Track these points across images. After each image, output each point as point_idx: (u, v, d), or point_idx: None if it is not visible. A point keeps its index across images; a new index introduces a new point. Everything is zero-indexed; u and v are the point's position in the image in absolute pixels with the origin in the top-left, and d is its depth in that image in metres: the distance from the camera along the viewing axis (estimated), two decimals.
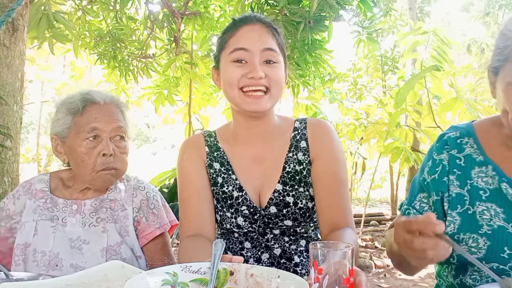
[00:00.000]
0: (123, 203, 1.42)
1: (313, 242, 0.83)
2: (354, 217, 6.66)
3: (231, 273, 0.94)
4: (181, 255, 1.25)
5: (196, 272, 0.95)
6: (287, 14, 2.79)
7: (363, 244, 5.90)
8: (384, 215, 8.16)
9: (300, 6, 2.86)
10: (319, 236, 1.40)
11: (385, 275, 4.67)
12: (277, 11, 2.87)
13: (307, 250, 1.36)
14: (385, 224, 7.58)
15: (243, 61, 1.23)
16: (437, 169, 1.16)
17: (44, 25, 2.65)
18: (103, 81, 5.58)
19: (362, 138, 5.03)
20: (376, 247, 5.84)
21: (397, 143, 4.08)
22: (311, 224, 1.38)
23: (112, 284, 1.03)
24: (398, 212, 1.31)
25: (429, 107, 3.89)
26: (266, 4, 3.06)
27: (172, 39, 3.95)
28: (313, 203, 1.33)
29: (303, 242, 1.37)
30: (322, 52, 3.22)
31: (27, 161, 7.95)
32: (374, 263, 4.91)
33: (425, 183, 1.19)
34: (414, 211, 1.22)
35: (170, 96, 4.56)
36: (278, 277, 0.90)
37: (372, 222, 7.47)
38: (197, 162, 1.37)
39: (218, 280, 0.93)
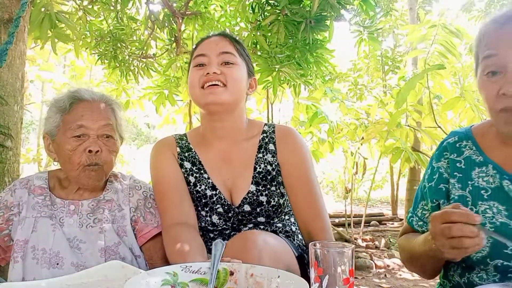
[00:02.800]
0: (120, 203, 1.42)
1: (313, 242, 0.84)
2: (355, 217, 6.73)
3: (231, 273, 0.95)
4: (170, 244, 1.26)
5: (196, 272, 0.95)
6: (288, 14, 2.79)
7: (364, 244, 5.90)
8: (384, 215, 8.16)
9: (301, 6, 2.86)
10: (294, 221, 1.46)
11: (385, 275, 4.66)
12: (278, 11, 2.86)
13: (286, 231, 1.41)
14: (385, 224, 7.58)
15: (203, 65, 1.35)
16: (434, 177, 1.20)
17: (46, 25, 2.65)
18: (104, 81, 5.58)
19: (362, 138, 5.03)
20: (376, 247, 5.84)
21: (397, 143, 4.07)
22: (283, 215, 1.44)
23: (112, 284, 1.03)
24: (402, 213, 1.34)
25: (430, 107, 3.87)
26: (267, 4, 3.06)
27: (173, 39, 3.94)
28: (284, 198, 1.40)
29: (279, 224, 1.42)
30: (324, 52, 3.22)
31: (27, 161, 7.94)
32: (375, 263, 4.90)
33: (424, 190, 1.22)
34: (417, 218, 1.25)
35: (171, 96, 4.55)
36: (278, 277, 0.90)
37: (372, 222, 7.47)
38: (171, 158, 1.44)
39: (218, 280, 0.93)
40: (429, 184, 1.20)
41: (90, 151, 1.34)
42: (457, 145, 1.18)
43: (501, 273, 1.06)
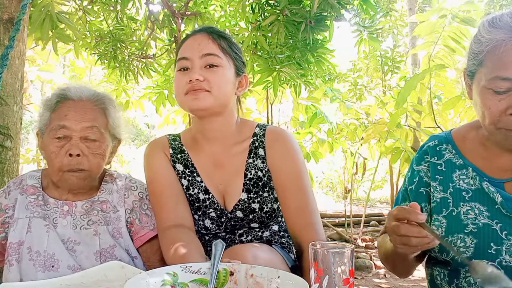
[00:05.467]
0: (115, 205, 1.38)
1: (313, 242, 0.83)
2: (354, 217, 6.73)
3: (231, 274, 0.95)
4: (167, 247, 1.23)
5: (196, 272, 0.95)
6: (288, 15, 2.79)
7: (363, 244, 5.90)
8: (384, 215, 8.15)
9: (301, 6, 2.86)
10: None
11: (385, 275, 4.66)
12: (278, 11, 2.86)
13: (280, 231, 1.38)
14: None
15: (187, 69, 1.30)
16: (414, 180, 1.22)
17: (47, 26, 2.64)
18: (104, 82, 5.58)
19: (362, 138, 5.03)
20: (376, 247, 5.83)
21: (397, 143, 4.07)
22: (279, 218, 1.41)
23: (112, 284, 1.03)
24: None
25: (430, 107, 3.86)
26: (267, 5, 3.06)
27: (173, 39, 3.94)
28: (278, 203, 1.36)
29: (275, 227, 1.38)
30: (324, 52, 3.22)
31: (27, 161, 7.93)
32: (374, 263, 4.90)
33: (407, 192, 1.24)
34: None
35: (171, 96, 4.55)
36: (278, 277, 0.90)
37: (372, 223, 7.47)
38: (164, 159, 1.40)
39: (218, 280, 0.93)
40: (410, 187, 1.22)
41: (70, 155, 1.28)
42: (437, 148, 1.20)
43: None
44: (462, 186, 1.13)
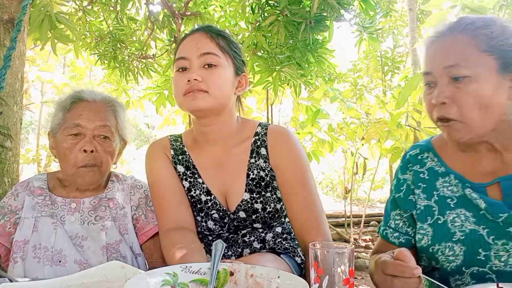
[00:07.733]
0: (122, 202, 1.44)
1: (313, 242, 0.83)
2: (354, 217, 6.73)
3: (231, 274, 0.95)
4: (168, 249, 1.23)
5: (196, 272, 0.95)
6: (288, 15, 2.79)
7: (363, 244, 5.90)
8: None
9: (301, 6, 2.86)
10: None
11: None
12: (278, 12, 2.86)
13: (283, 233, 1.38)
14: None
15: (186, 69, 1.28)
16: (401, 188, 1.22)
17: (46, 26, 2.64)
18: (104, 82, 5.59)
19: (363, 138, 5.03)
20: None
21: (397, 143, 4.07)
22: (282, 218, 1.40)
23: (112, 285, 1.03)
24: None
25: None
26: (267, 5, 3.06)
27: (173, 39, 3.95)
28: (281, 203, 1.35)
29: (279, 229, 1.38)
30: (324, 52, 3.22)
31: (27, 161, 7.94)
32: None
33: (395, 201, 1.24)
34: (391, 230, 1.24)
35: (171, 97, 4.56)
36: (278, 277, 0.90)
37: (372, 223, 7.46)
38: (166, 161, 1.40)
39: (218, 280, 0.93)
40: (398, 195, 1.22)
41: (84, 151, 1.36)
42: (419, 157, 1.21)
43: (477, 281, 1.06)
44: (446, 194, 1.14)
